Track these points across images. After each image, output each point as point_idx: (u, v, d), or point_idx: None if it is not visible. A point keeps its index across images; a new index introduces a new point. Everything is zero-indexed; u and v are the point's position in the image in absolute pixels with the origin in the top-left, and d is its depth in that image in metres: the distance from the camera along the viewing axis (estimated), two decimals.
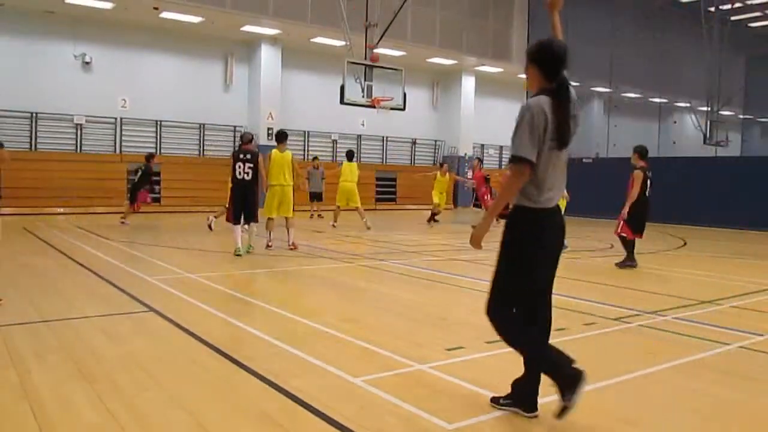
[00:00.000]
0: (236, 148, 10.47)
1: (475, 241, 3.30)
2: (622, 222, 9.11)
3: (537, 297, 3.42)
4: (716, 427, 3.42)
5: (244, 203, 9.58)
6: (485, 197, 16.11)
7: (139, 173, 15.07)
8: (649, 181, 9.10)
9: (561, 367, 3.21)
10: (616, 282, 7.94)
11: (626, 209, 8.98)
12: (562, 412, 3.14)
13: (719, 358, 4.66)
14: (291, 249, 10.29)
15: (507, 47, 24.45)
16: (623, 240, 9.22)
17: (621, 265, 9.25)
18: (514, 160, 3.16)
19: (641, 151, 9.21)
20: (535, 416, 3.37)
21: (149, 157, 15.36)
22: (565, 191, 12.03)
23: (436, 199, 16.87)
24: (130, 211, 15.00)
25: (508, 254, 3.33)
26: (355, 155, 16.54)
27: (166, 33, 19.75)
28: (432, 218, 16.92)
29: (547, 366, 3.30)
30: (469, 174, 16.89)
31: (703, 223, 16.80)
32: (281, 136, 10.33)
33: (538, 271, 3.34)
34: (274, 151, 10.12)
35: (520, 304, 3.39)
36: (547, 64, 3.24)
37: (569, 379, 3.14)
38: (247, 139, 9.96)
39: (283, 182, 10.07)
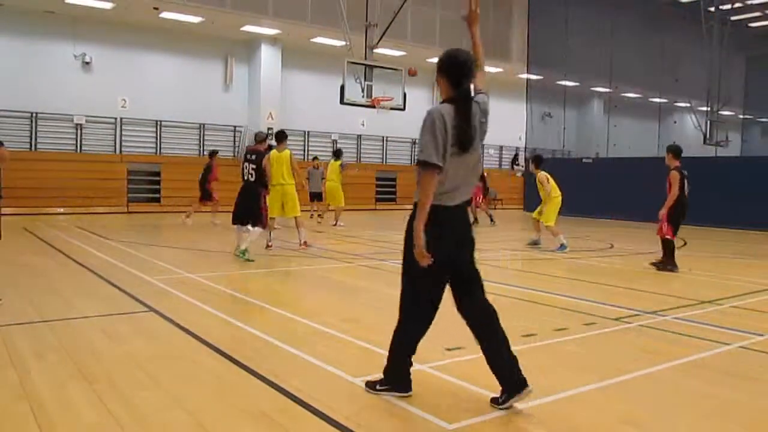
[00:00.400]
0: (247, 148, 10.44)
1: (420, 255, 3.34)
2: (666, 224, 8.81)
3: (437, 285, 3.56)
4: (716, 427, 3.42)
5: (244, 204, 9.48)
6: (477, 197, 16.00)
7: (203, 171, 15.16)
8: (686, 181, 8.80)
9: (402, 372, 3.61)
10: (616, 282, 7.94)
11: (664, 210, 8.68)
12: (371, 387, 3.64)
13: (719, 358, 4.66)
14: (303, 248, 10.32)
15: (507, 47, 24.44)
16: (665, 242, 8.91)
17: (660, 267, 8.94)
18: (422, 164, 3.33)
19: (675, 151, 8.91)
20: (529, 391, 3.42)
21: (212, 153, 15.42)
22: (556, 193, 11.78)
23: None
24: (216, 209, 15.07)
25: (408, 247, 3.47)
26: (343, 154, 16.33)
27: (166, 33, 19.76)
28: None
29: (396, 358, 3.62)
30: None
31: (703, 223, 16.78)
32: (279, 136, 10.30)
33: (438, 262, 3.40)
34: (273, 151, 10.09)
35: (422, 293, 3.56)
36: (452, 74, 3.45)
37: (397, 381, 3.59)
38: (259, 138, 9.83)
39: (282, 181, 10.04)
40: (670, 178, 8.77)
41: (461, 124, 3.36)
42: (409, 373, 3.63)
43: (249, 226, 9.30)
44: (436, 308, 3.60)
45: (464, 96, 3.43)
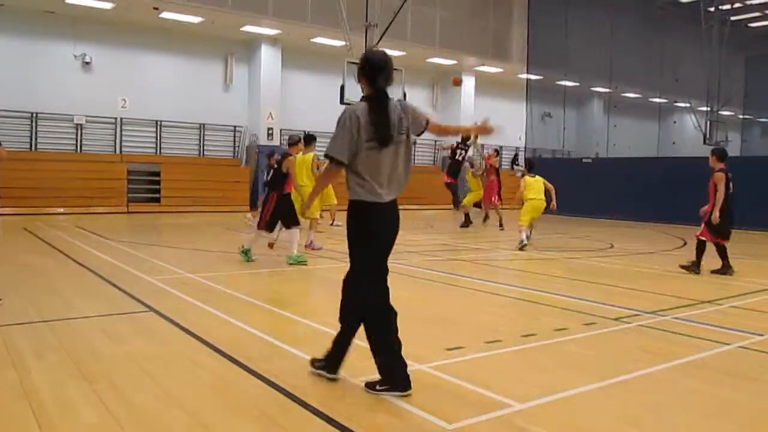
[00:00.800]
0: None
1: (301, 212, 4.09)
2: (704, 225, 8.73)
3: (373, 275, 3.73)
4: (716, 427, 3.42)
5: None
6: (493, 195, 15.57)
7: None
8: (730, 184, 8.69)
9: (399, 370, 3.63)
10: (616, 282, 7.94)
11: (716, 213, 8.54)
12: (371, 387, 3.62)
13: (719, 358, 4.66)
14: (308, 249, 10.31)
15: (507, 47, 24.44)
16: (700, 244, 8.80)
17: (686, 267, 8.88)
18: (327, 158, 3.63)
19: (719, 154, 8.83)
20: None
21: (269, 155, 15.20)
22: (551, 192, 12.16)
23: (465, 199, 15.87)
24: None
25: (349, 239, 3.72)
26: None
27: (166, 33, 19.75)
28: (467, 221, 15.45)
29: (382, 357, 3.69)
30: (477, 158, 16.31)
31: None
32: (307, 139, 10.13)
33: (370, 253, 3.68)
34: (299, 153, 9.85)
35: (364, 282, 3.72)
36: (367, 73, 3.67)
37: (396, 381, 3.59)
38: (290, 142, 9.55)
39: (300, 184, 9.92)
40: (714, 179, 8.64)
41: (376, 119, 3.55)
42: (407, 372, 3.65)
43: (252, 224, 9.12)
44: (384, 294, 3.76)
45: (379, 93, 3.62)
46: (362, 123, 3.52)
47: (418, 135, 3.81)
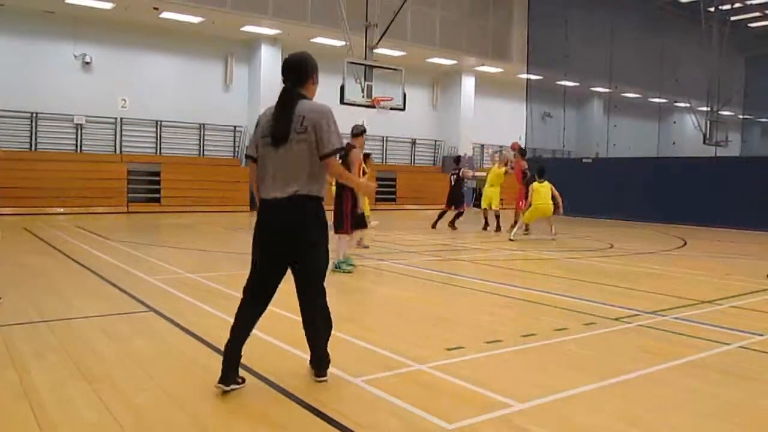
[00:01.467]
0: None
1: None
2: None
3: (257, 270, 3.90)
4: (716, 427, 3.42)
5: (334, 209, 8.16)
6: (520, 200, 14.11)
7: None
8: None
9: (228, 355, 3.69)
10: (616, 282, 7.94)
11: None
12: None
13: (719, 358, 4.66)
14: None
15: (507, 47, 24.45)
16: None
17: None
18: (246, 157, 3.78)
19: None
20: (323, 381, 3.80)
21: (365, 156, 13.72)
22: (555, 197, 12.59)
23: (491, 201, 14.95)
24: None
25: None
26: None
27: (166, 33, 19.76)
28: (498, 226, 14.74)
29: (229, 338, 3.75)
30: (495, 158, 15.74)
31: (703, 223, 16.80)
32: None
33: (256, 251, 3.84)
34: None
35: (250, 275, 3.90)
36: (282, 73, 3.88)
37: (226, 368, 3.63)
38: (354, 132, 8.60)
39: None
40: None
41: (274, 116, 3.66)
42: (234, 362, 3.69)
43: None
44: (264, 292, 3.91)
45: (282, 92, 3.75)
46: (266, 119, 3.69)
47: (322, 157, 3.59)
